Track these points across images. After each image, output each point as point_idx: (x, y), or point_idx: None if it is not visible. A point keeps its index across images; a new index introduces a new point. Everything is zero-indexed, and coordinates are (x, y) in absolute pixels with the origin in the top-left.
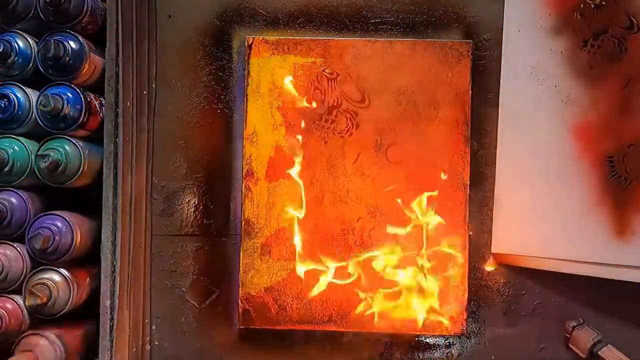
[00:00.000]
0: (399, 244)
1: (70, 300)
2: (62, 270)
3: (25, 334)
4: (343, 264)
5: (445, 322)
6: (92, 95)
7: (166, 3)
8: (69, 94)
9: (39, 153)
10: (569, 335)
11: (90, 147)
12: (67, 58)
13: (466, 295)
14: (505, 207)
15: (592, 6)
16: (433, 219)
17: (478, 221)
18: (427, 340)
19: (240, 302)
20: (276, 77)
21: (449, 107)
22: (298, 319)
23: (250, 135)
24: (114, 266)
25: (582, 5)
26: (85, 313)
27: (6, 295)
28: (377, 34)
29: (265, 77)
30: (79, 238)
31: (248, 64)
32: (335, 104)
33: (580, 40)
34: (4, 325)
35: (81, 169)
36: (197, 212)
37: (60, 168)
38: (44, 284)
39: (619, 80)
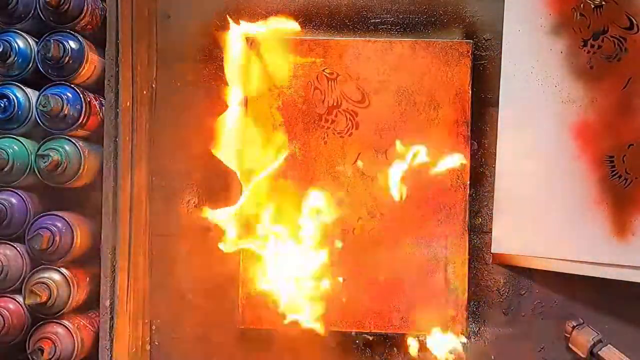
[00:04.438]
0: (399, 243)
1: (70, 299)
2: (62, 270)
3: (42, 322)
4: (343, 264)
5: (445, 322)
6: (92, 95)
7: (166, 3)
8: (68, 94)
9: (39, 153)
10: (569, 335)
11: (90, 147)
12: (67, 58)
13: (466, 295)
14: (505, 207)
15: (592, 6)
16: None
17: (478, 221)
18: (427, 340)
19: (240, 302)
20: (276, 77)
21: (449, 107)
22: (298, 319)
23: (251, 135)
24: (114, 266)
25: (582, 5)
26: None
27: (8, 295)
28: (377, 34)
29: (265, 77)
30: (79, 238)
31: (248, 64)
32: (335, 104)
33: (580, 40)
34: (6, 325)
35: (81, 169)
36: (197, 212)
37: (60, 168)
38: (43, 283)
39: (619, 80)
